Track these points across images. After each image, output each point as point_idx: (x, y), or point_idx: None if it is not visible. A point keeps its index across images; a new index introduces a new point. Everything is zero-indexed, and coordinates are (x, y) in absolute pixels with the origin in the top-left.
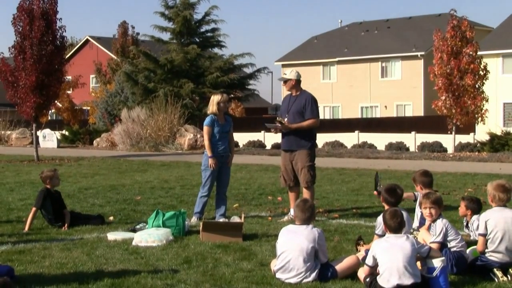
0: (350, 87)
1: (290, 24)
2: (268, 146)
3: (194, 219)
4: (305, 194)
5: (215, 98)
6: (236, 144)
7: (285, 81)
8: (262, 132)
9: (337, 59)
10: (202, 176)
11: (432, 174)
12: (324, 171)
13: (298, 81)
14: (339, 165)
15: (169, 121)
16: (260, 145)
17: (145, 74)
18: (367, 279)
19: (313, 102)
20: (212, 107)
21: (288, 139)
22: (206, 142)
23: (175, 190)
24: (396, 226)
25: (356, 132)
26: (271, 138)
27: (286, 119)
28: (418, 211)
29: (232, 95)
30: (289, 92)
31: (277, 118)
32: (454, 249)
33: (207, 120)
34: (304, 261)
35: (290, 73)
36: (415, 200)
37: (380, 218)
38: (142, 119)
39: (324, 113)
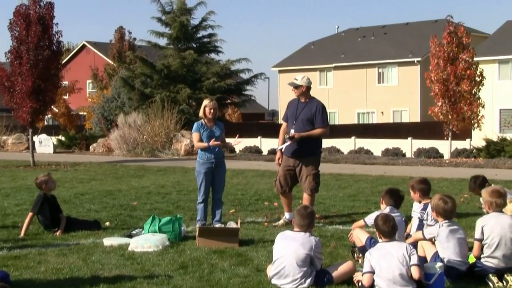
0: (347, 92)
1: (287, 30)
2: (265, 152)
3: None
4: (306, 200)
5: (203, 102)
6: (233, 150)
7: (296, 86)
8: (259, 137)
9: (333, 64)
10: (197, 183)
11: (430, 182)
12: (321, 177)
13: (308, 88)
14: (335, 170)
15: (166, 127)
16: (256, 150)
17: (141, 80)
18: (359, 284)
19: (323, 110)
20: (200, 111)
21: (294, 146)
22: (199, 145)
23: (171, 195)
24: (389, 230)
25: (353, 138)
26: (268, 144)
27: (293, 129)
28: (415, 218)
29: (228, 101)
30: (295, 97)
31: (286, 135)
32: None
33: (194, 126)
34: (299, 267)
35: (301, 80)
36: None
37: (374, 214)
38: (139, 124)
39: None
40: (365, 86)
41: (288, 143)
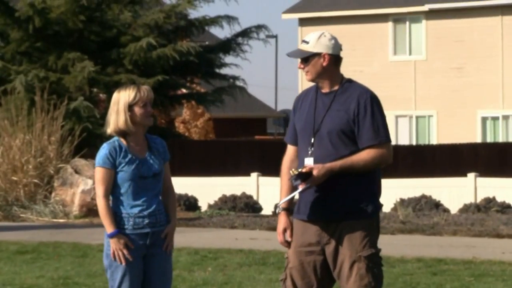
0: (457, 71)
1: None
2: (267, 209)
3: None
4: None
5: (121, 97)
6: (194, 204)
7: (305, 58)
8: (254, 175)
9: (426, 7)
10: (109, 283)
11: None
12: (396, 267)
13: (335, 59)
14: (430, 251)
15: (39, 150)
16: (248, 205)
17: None
18: None
19: (376, 106)
20: (115, 119)
21: (315, 195)
22: (101, 204)
23: None
24: None
25: (471, 176)
26: (274, 190)
27: (309, 158)
28: None
29: (184, 91)
30: (312, 85)
31: (291, 172)
32: None
33: (101, 154)
34: None
35: (317, 41)
36: None
37: None
38: None
39: (398, 131)
40: (500, 56)
41: (299, 190)
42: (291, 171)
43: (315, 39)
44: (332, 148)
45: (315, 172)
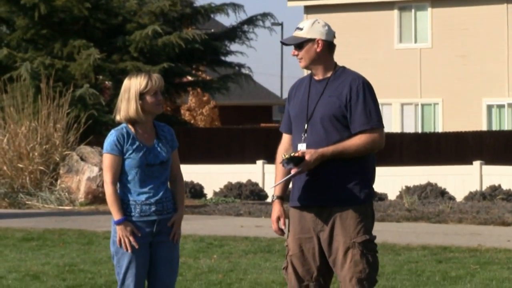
0: (462, 59)
1: None
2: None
3: None
4: None
5: (132, 85)
6: (200, 191)
7: (299, 45)
8: (260, 163)
9: None
10: (116, 269)
11: None
12: (402, 255)
13: (329, 46)
14: (435, 239)
15: (44, 138)
16: (253, 192)
17: None
18: None
19: (368, 92)
20: (125, 106)
21: (312, 183)
22: (108, 190)
23: None
24: None
25: (477, 164)
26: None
27: (302, 143)
28: None
29: (189, 78)
30: (306, 75)
31: (283, 156)
32: None
33: (109, 140)
34: None
35: (310, 27)
36: None
37: None
38: None
39: (403, 119)
40: (505, 44)
41: (291, 174)
42: (282, 155)
43: (309, 26)
44: (325, 134)
45: (307, 157)
